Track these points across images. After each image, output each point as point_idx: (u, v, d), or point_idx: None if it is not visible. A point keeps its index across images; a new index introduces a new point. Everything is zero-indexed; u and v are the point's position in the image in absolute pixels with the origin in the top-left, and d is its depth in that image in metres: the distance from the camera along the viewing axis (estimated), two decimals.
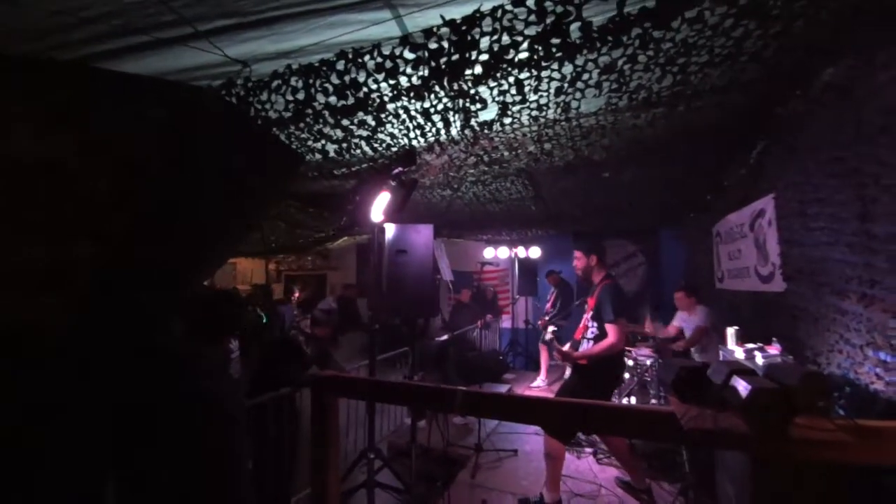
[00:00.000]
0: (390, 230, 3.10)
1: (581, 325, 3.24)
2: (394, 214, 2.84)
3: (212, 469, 1.44)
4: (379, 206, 2.73)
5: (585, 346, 3.10)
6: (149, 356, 1.54)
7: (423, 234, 3.10)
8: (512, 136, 2.54)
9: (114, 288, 1.55)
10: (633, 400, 4.39)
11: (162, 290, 1.80)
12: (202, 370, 1.58)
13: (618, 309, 2.92)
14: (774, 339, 2.84)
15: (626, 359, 4.59)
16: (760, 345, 2.81)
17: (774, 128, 2.88)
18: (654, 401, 4.19)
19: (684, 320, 4.07)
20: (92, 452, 1.38)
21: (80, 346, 1.47)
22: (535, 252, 7.32)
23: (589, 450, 3.80)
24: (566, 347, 3.24)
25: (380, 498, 2.89)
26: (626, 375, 4.64)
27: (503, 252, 7.55)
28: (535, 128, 2.42)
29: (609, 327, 2.91)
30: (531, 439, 4.06)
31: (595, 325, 3.07)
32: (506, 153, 2.90)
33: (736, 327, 3.18)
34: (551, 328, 3.26)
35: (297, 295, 6.69)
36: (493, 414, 2.64)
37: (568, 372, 3.32)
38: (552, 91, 1.94)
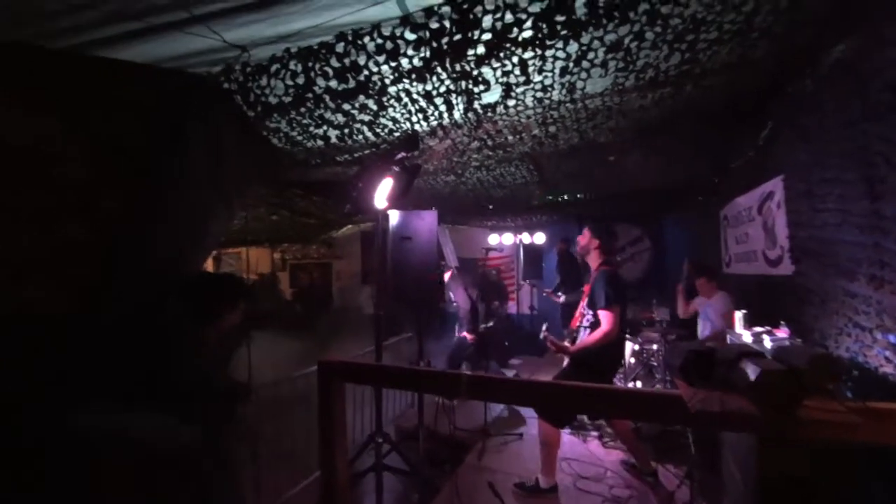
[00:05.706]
0: (394, 217, 3.08)
1: (577, 313, 3.19)
2: (397, 200, 2.82)
3: (214, 449, 1.45)
4: (382, 192, 2.70)
5: (583, 335, 3.04)
6: (151, 337, 1.56)
7: (427, 221, 3.08)
8: (516, 118, 2.50)
9: (110, 272, 1.55)
10: (639, 384, 4.39)
11: (159, 274, 1.80)
12: (201, 350, 1.60)
13: (611, 296, 2.83)
14: (783, 322, 2.82)
15: (632, 344, 4.60)
16: (768, 328, 2.78)
17: (783, 107, 2.81)
18: (659, 385, 4.19)
19: (701, 304, 4.03)
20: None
21: (78, 329, 1.48)
22: (539, 238, 7.29)
23: (594, 433, 3.82)
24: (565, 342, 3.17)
25: (388, 480, 2.92)
26: (632, 360, 4.64)
27: (508, 238, 7.53)
28: (539, 110, 2.38)
29: (602, 314, 2.84)
30: (537, 423, 4.07)
31: (590, 313, 3.01)
32: (510, 137, 2.86)
33: (744, 311, 3.15)
34: (545, 325, 3.21)
35: None
36: (498, 397, 2.65)
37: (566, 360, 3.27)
38: (557, 71, 1.90)
